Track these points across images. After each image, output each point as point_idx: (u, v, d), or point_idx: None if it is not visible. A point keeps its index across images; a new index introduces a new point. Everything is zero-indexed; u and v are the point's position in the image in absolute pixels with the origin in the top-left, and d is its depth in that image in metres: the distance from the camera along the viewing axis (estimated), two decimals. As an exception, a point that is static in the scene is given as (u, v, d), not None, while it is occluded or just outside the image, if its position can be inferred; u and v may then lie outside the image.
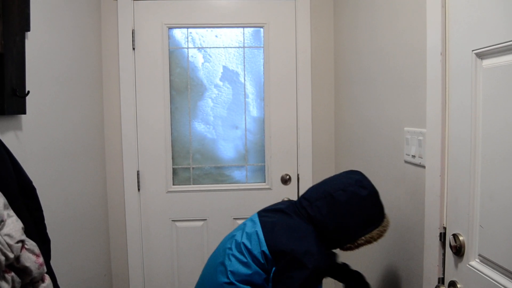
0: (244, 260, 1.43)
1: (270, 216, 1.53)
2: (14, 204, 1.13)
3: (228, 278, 1.42)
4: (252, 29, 2.60)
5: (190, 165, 2.63)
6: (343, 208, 1.46)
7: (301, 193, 2.58)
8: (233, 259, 1.45)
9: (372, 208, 1.49)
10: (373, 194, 1.50)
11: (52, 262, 1.37)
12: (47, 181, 1.75)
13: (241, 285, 1.41)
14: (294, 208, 1.54)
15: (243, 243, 1.46)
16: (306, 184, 2.60)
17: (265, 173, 2.63)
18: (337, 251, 1.64)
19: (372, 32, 1.91)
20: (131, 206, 2.57)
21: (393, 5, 1.68)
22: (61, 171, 1.89)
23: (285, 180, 2.61)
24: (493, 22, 1.03)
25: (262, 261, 1.42)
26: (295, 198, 2.60)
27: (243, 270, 1.42)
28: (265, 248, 1.42)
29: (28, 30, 1.57)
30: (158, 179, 2.59)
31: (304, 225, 1.47)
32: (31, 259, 1.04)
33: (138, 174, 2.57)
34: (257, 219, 1.53)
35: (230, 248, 1.49)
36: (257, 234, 1.46)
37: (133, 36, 2.51)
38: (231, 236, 1.55)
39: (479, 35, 1.09)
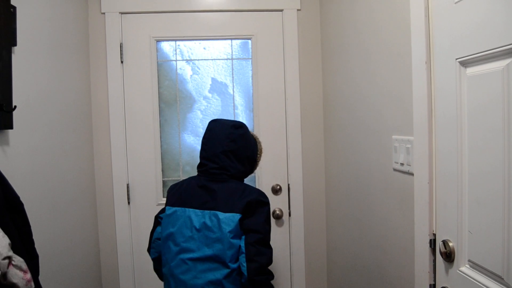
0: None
1: (209, 201, 1.67)
2: (0, 219, 1.11)
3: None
4: (240, 41, 2.61)
5: (180, 177, 2.62)
6: (242, 152, 1.73)
7: (292, 202, 2.60)
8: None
9: (250, 134, 1.81)
10: (244, 125, 1.79)
11: (41, 278, 1.35)
12: (35, 196, 1.74)
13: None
14: (213, 178, 1.71)
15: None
16: (296, 193, 2.60)
17: (256, 183, 2.63)
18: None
19: (359, 41, 1.93)
20: (121, 219, 2.55)
21: (378, 14, 1.70)
22: (49, 185, 1.87)
23: (276, 190, 2.61)
24: (476, 31, 1.05)
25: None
26: (286, 207, 2.60)
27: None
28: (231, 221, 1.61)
29: (15, 44, 1.57)
30: (148, 191, 2.57)
31: (234, 184, 1.70)
32: (19, 276, 1.02)
33: (128, 187, 2.55)
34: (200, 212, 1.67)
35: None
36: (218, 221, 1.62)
37: (121, 50, 2.51)
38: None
39: (462, 44, 1.11)
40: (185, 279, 1.61)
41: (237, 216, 1.60)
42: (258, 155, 1.85)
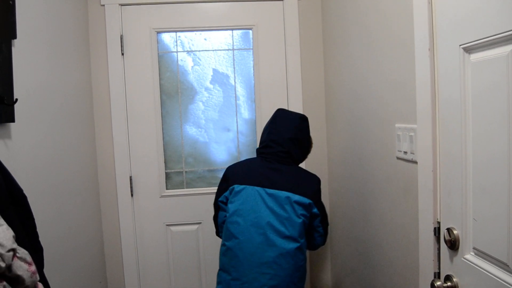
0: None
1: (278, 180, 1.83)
2: (4, 212, 1.11)
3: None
4: (241, 31, 2.60)
5: (183, 169, 2.62)
6: (304, 142, 1.94)
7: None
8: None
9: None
10: (308, 119, 1.98)
11: (45, 270, 1.36)
12: (38, 189, 1.74)
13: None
14: (279, 160, 1.88)
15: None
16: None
17: (259, 174, 2.63)
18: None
19: (361, 29, 1.92)
20: (125, 212, 2.55)
21: (381, 1, 1.68)
22: (52, 178, 1.87)
23: None
24: (479, 17, 1.04)
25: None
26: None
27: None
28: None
29: (15, 37, 1.56)
30: (151, 184, 2.58)
31: (298, 168, 1.92)
32: (23, 268, 1.02)
33: (131, 180, 2.55)
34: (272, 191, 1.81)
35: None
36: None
37: (121, 42, 2.49)
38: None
39: (466, 30, 1.09)
40: (256, 252, 1.74)
41: (307, 201, 1.79)
42: (311, 148, 2.05)
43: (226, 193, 1.89)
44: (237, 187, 1.85)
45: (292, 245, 1.75)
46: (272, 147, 1.89)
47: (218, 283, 1.85)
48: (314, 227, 1.87)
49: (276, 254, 1.74)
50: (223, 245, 1.85)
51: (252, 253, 1.75)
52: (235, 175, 1.90)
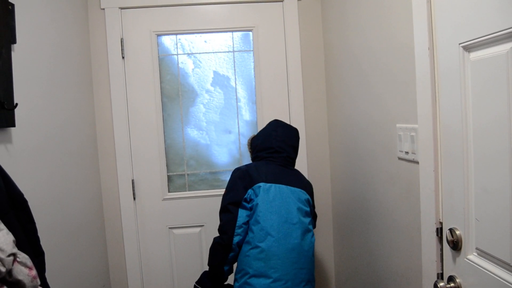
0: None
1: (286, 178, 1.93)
2: (4, 217, 1.11)
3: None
4: (241, 33, 2.60)
5: (185, 172, 2.61)
6: (297, 150, 2.08)
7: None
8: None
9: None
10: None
11: (48, 275, 1.36)
12: (40, 193, 1.74)
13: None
14: (284, 164, 1.99)
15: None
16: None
17: (260, 176, 2.62)
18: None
19: (361, 29, 1.91)
20: (127, 215, 2.55)
21: (380, 1, 1.68)
22: (53, 182, 1.88)
23: None
24: (478, 15, 1.03)
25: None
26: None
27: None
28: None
29: (14, 42, 1.57)
30: (153, 187, 2.58)
31: (298, 171, 2.05)
32: (24, 272, 1.02)
33: (133, 183, 2.55)
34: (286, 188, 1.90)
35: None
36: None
37: (122, 45, 2.50)
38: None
39: (465, 28, 1.09)
40: (294, 248, 1.79)
41: (311, 201, 1.95)
42: None
43: (250, 192, 1.85)
44: (264, 185, 1.85)
45: (313, 239, 1.89)
46: (281, 152, 1.99)
47: None
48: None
49: (308, 248, 1.84)
50: (254, 247, 1.78)
51: (291, 249, 1.78)
52: (259, 174, 1.89)
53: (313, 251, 1.88)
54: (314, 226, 1.98)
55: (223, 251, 1.82)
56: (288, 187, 1.88)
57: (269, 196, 1.83)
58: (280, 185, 1.87)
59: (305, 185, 1.96)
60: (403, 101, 1.52)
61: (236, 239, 1.81)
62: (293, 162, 2.04)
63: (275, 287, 1.73)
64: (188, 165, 2.61)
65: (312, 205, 1.96)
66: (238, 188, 1.87)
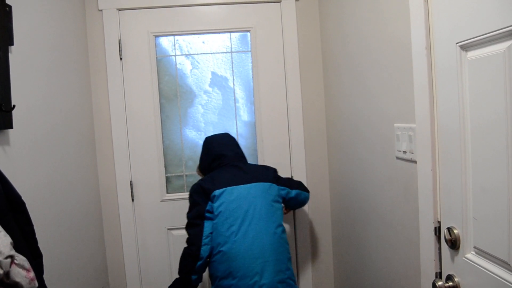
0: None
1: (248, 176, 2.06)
2: (2, 219, 1.11)
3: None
4: (239, 33, 2.60)
5: (183, 173, 2.61)
6: (238, 144, 2.27)
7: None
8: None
9: None
10: None
11: (46, 277, 1.36)
12: (38, 195, 1.73)
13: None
14: (236, 163, 2.11)
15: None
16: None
17: (259, 177, 2.62)
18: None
19: (359, 29, 1.91)
20: (126, 217, 2.55)
21: (377, 1, 1.68)
22: (51, 184, 1.87)
23: None
24: (475, 14, 1.03)
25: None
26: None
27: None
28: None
29: (12, 44, 1.56)
30: (151, 188, 2.57)
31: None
32: (22, 274, 1.02)
33: (131, 184, 2.55)
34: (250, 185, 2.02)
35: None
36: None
37: (119, 46, 2.50)
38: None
39: (462, 28, 1.09)
40: (255, 243, 1.87)
41: (275, 185, 2.07)
42: None
43: (210, 203, 1.96)
44: (218, 192, 1.96)
45: (280, 228, 1.97)
46: (226, 154, 2.12)
47: None
48: (292, 196, 2.15)
49: (272, 239, 1.91)
50: (217, 252, 1.89)
51: (250, 246, 1.86)
52: (213, 183, 1.99)
53: (280, 240, 1.94)
54: (304, 190, 2.22)
55: (192, 261, 1.91)
56: (245, 185, 1.98)
57: (225, 200, 1.94)
58: (236, 186, 1.97)
59: (263, 174, 2.06)
60: (401, 100, 1.52)
61: (203, 248, 1.92)
62: (244, 157, 2.18)
63: (242, 285, 1.83)
64: (187, 166, 2.61)
65: (283, 184, 2.12)
66: (199, 202, 1.98)
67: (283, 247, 1.95)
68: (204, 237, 1.92)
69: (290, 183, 2.18)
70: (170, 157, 2.61)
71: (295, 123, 2.58)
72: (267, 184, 2.03)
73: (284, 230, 2.01)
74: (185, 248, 1.96)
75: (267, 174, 2.09)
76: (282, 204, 2.13)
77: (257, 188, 2.00)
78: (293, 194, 2.15)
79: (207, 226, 1.94)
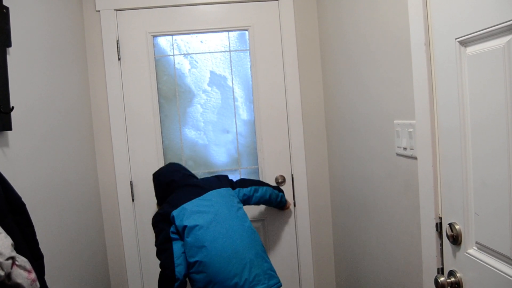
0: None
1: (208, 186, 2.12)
2: (3, 221, 1.11)
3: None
4: (237, 32, 2.59)
5: (183, 173, 2.60)
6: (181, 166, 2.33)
7: (296, 193, 2.59)
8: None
9: None
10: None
11: (47, 278, 1.35)
12: (38, 196, 1.73)
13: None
14: (188, 179, 2.18)
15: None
16: (300, 184, 2.59)
17: (259, 175, 2.62)
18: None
19: (357, 26, 1.91)
20: (127, 217, 2.55)
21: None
22: (52, 185, 1.87)
23: (279, 182, 2.60)
24: (474, 9, 1.03)
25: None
26: (291, 198, 2.59)
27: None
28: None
29: (9, 45, 1.56)
30: (152, 188, 2.56)
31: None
32: (23, 276, 1.02)
33: (131, 184, 2.55)
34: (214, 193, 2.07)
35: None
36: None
37: (118, 47, 2.49)
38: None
39: (461, 23, 1.09)
40: (226, 250, 1.87)
41: (230, 188, 2.17)
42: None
43: (172, 226, 1.95)
44: (175, 212, 1.96)
45: (247, 223, 2.01)
46: (176, 178, 2.16)
47: None
48: (249, 194, 2.24)
49: (241, 237, 1.92)
50: (193, 265, 1.87)
51: (222, 251, 1.86)
52: (170, 205, 2.00)
53: (250, 234, 1.96)
54: (263, 185, 2.33)
55: (169, 283, 1.88)
56: (202, 196, 2.03)
57: (186, 214, 1.94)
58: (193, 200, 2.00)
59: (216, 182, 2.14)
60: (400, 97, 1.52)
61: (178, 269, 1.88)
62: (193, 175, 2.24)
63: None
64: (187, 165, 2.60)
65: (235, 183, 2.23)
66: (162, 228, 1.97)
67: (255, 241, 1.96)
68: (176, 258, 1.89)
69: (242, 182, 2.27)
70: (170, 156, 2.60)
71: (294, 120, 2.58)
72: (222, 189, 2.10)
73: (251, 224, 2.04)
74: (160, 272, 1.92)
75: (220, 180, 2.16)
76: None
77: (214, 194, 2.05)
78: (247, 191, 2.23)
79: (177, 246, 1.91)
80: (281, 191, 2.45)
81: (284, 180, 2.60)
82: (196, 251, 1.87)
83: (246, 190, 2.23)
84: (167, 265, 1.89)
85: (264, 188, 2.32)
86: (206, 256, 1.84)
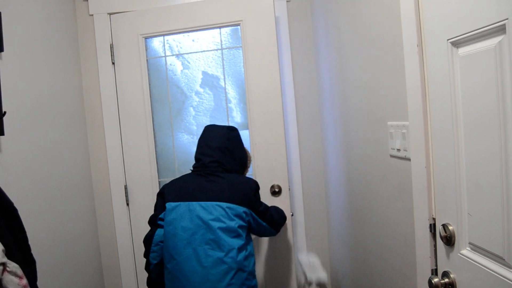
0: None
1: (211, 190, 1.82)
2: (-6, 226, 1.10)
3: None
4: (229, 28, 2.53)
5: (176, 177, 2.58)
6: (236, 151, 1.95)
7: (292, 196, 2.55)
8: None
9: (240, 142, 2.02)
10: (237, 129, 2.01)
11: (40, 283, 1.34)
12: (31, 201, 1.72)
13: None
14: (210, 172, 1.86)
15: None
16: (296, 190, 2.58)
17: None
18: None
19: (351, 25, 1.91)
20: (121, 221, 2.53)
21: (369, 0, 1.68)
22: (45, 190, 1.86)
23: (274, 191, 2.47)
24: (466, 9, 1.03)
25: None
26: (287, 207, 2.52)
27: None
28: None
29: (2, 50, 1.55)
30: (146, 192, 2.55)
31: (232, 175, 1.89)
32: (14, 282, 1.01)
33: (125, 189, 2.54)
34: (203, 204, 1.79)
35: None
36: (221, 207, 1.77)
37: (111, 50, 2.48)
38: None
39: (453, 24, 1.09)
40: (196, 270, 1.69)
41: (241, 209, 1.78)
42: (249, 161, 2.07)
43: (164, 212, 1.84)
44: (169, 205, 1.82)
45: (227, 254, 1.72)
46: (201, 159, 1.90)
47: None
48: (260, 225, 1.89)
49: (217, 278, 1.69)
50: (165, 268, 1.79)
51: (192, 273, 1.70)
52: (170, 192, 1.86)
53: (227, 270, 1.71)
54: (273, 227, 1.96)
55: (146, 261, 1.85)
56: (202, 203, 1.77)
57: (176, 217, 1.78)
58: (192, 202, 1.79)
59: (232, 194, 1.80)
60: (394, 98, 1.52)
61: (151, 255, 1.83)
62: (222, 166, 1.89)
63: None
64: (179, 170, 2.57)
65: (244, 215, 1.80)
66: (157, 206, 1.88)
67: (232, 278, 1.71)
68: (153, 245, 1.82)
69: (263, 214, 1.92)
70: (162, 161, 2.58)
71: (288, 121, 2.56)
72: (225, 204, 1.77)
73: (238, 254, 1.74)
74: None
75: (237, 194, 1.81)
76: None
77: (212, 209, 1.76)
78: (254, 225, 1.89)
79: (159, 233, 1.83)
80: (278, 232, 2.09)
81: (280, 190, 2.47)
82: (169, 257, 1.77)
83: (256, 224, 1.90)
84: (145, 243, 1.85)
85: (268, 230, 1.98)
86: (175, 270, 1.74)
